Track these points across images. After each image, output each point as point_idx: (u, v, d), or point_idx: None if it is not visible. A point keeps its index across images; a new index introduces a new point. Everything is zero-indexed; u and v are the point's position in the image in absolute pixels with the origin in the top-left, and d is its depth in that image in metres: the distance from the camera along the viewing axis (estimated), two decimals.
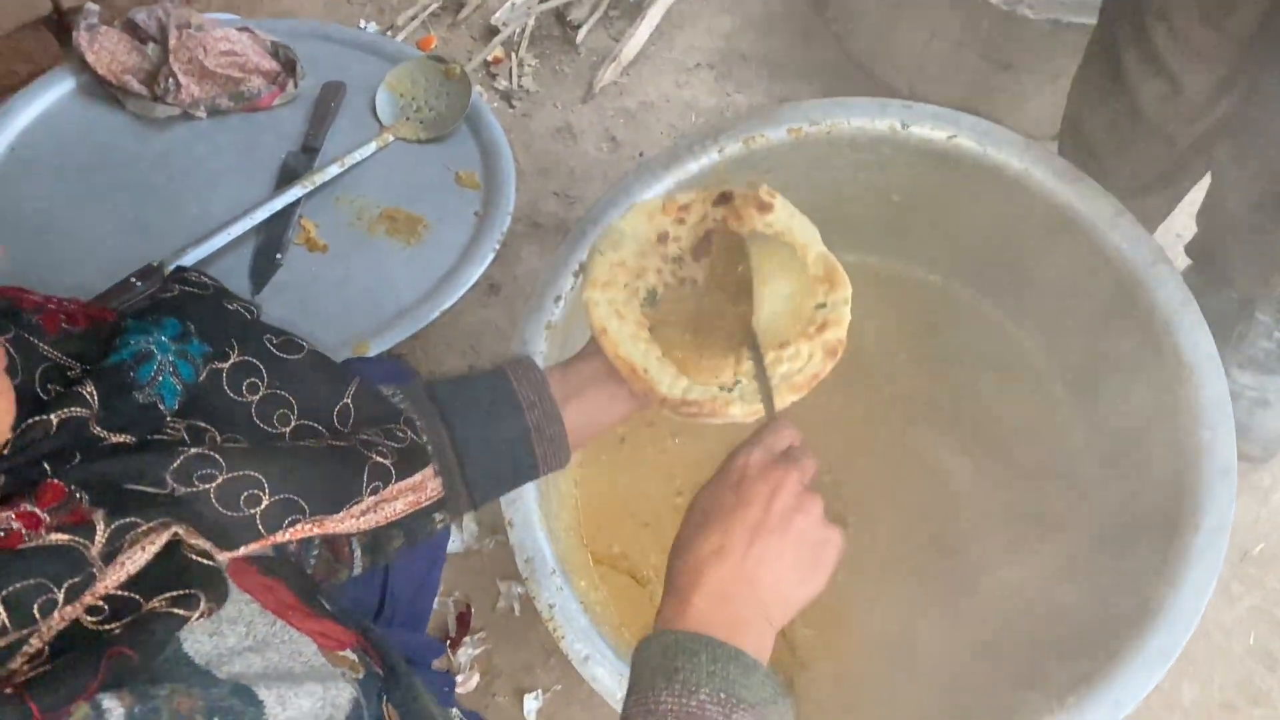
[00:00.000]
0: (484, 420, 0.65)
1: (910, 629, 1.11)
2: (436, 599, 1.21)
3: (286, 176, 1.26)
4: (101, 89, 1.31)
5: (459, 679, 1.14)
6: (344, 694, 0.50)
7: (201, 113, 1.31)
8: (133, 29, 1.33)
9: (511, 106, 1.59)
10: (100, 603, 0.44)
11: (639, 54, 1.64)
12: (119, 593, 0.45)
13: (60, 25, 1.45)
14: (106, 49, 1.31)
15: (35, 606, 0.41)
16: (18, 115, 1.28)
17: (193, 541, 0.49)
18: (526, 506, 0.96)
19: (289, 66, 1.35)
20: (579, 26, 1.64)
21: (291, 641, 0.51)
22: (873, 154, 1.08)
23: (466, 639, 1.17)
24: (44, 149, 1.27)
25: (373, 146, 1.29)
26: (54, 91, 1.31)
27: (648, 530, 1.17)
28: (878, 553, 1.14)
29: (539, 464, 0.67)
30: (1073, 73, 1.17)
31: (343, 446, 0.58)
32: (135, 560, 0.45)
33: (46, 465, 0.46)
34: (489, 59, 1.61)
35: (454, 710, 0.80)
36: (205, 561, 0.48)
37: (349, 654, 0.55)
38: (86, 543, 0.44)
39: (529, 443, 0.66)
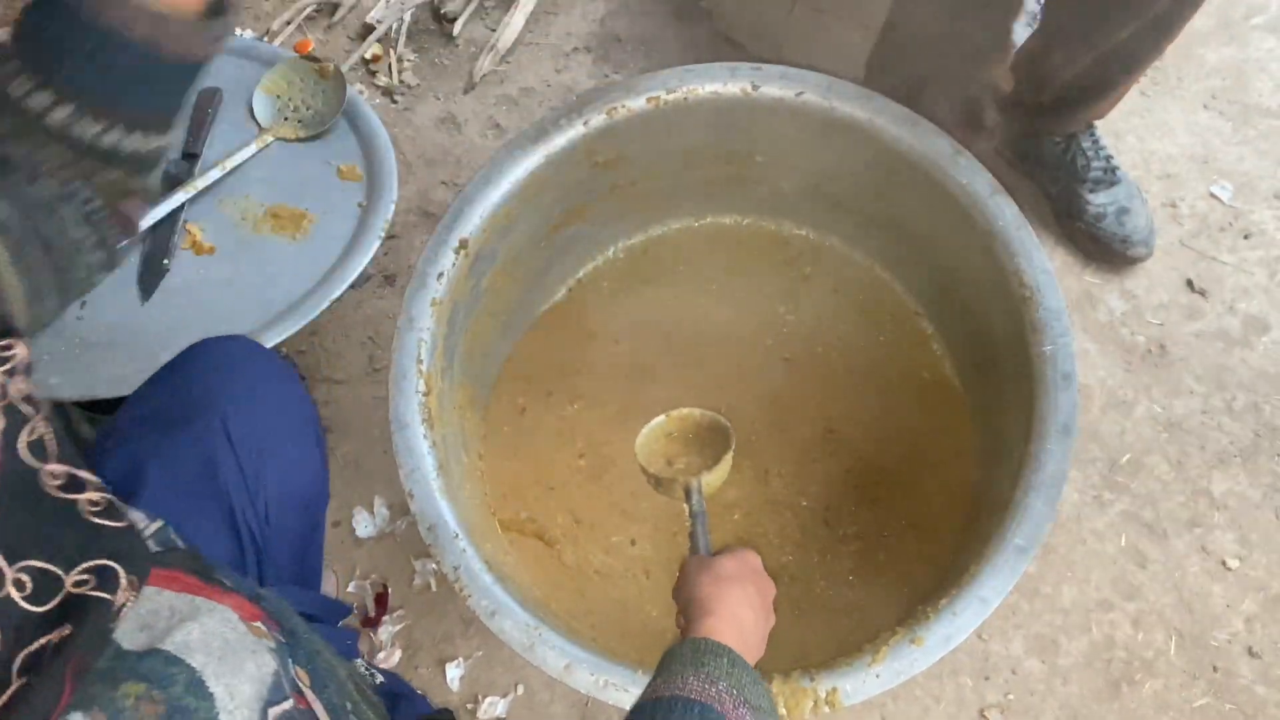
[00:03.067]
0: None
1: (802, 563, 1.17)
2: (354, 582, 1.24)
3: (168, 184, 1.27)
4: None
5: (381, 655, 1.17)
6: (269, 666, 0.53)
7: None
8: None
9: (394, 102, 1.62)
10: (22, 576, 0.43)
11: (516, 42, 1.68)
12: (37, 564, 0.44)
13: None
14: None
15: None
16: None
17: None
18: (424, 476, 0.99)
19: None
20: (455, 19, 1.68)
21: (217, 610, 0.53)
22: (730, 117, 1.14)
23: (386, 618, 1.20)
24: None
25: (252, 148, 1.31)
26: None
27: (553, 494, 1.21)
28: (769, 493, 1.21)
29: None
30: None
31: None
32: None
33: None
34: (368, 56, 1.64)
35: (359, 661, 0.83)
36: (109, 524, 0.48)
37: (260, 625, 0.58)
38: None
39: None
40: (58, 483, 0.48)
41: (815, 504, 1.21)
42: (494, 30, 1.68)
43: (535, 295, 1.31)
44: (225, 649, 0.51)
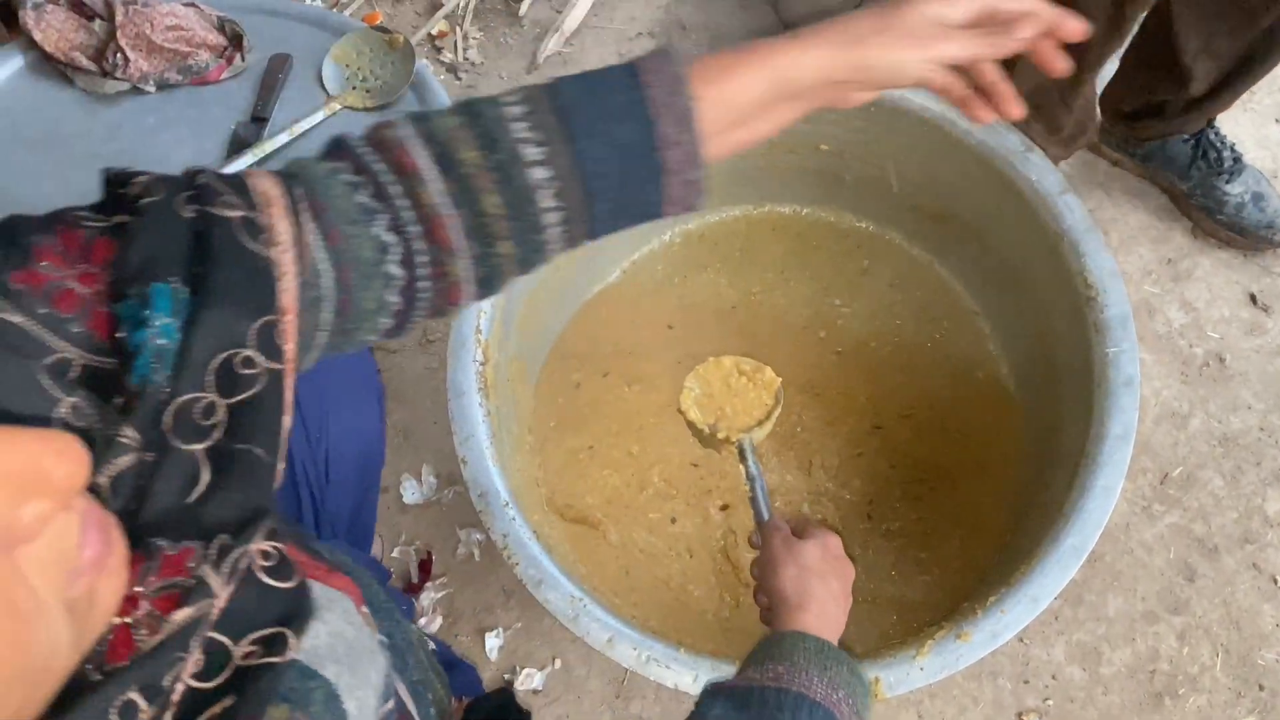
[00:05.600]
0: (608, 138, 0.52)
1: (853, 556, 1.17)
2: (398, 548, 1.25)
3: (237, 146, 1.29)
4: (49, 66, 1.34)
5: (423, 621, 1.19)
6: (382, 668, 0.49)
7: (150, 87, 1.34)
8: (78, 6, 1.36)
9: (458, 79, 1.63)
10: (198, 654, 0.38)
11: (581, 25, 1.68)
12: (213, 635, 0.39)
13: (6, 7, 1.47)
14: (53, 27, 1.33)
15: (167, 679, 0.37)
16: None
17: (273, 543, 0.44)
18: (479, 444, 1.00)
19: (236, 40, 1.37)
20: None
21: (337, 602, 0.49)
22: None
23: (428, 585, 1.22)
24: None
25: (320, 115, 1.32)
26: (2, 71, 1.33)
27: (597, 471, 1.22)
28: (811, 483, 1.20)
29: (664, 207, 0.56)
30: None
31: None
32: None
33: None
34: (434, 33, 1.65)
35: (415, 627, 0.84)
36: (279, 585, 0.42)
37: (367, 611, 0.53)
38: (210, 602, 0.39)
39: (659, 187, 0.54)
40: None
41: (858, 498, 1.21)
42: (559, 12, 1.69)
43: (589, 274, 1.32)
44: (351, 655, 0.46)
